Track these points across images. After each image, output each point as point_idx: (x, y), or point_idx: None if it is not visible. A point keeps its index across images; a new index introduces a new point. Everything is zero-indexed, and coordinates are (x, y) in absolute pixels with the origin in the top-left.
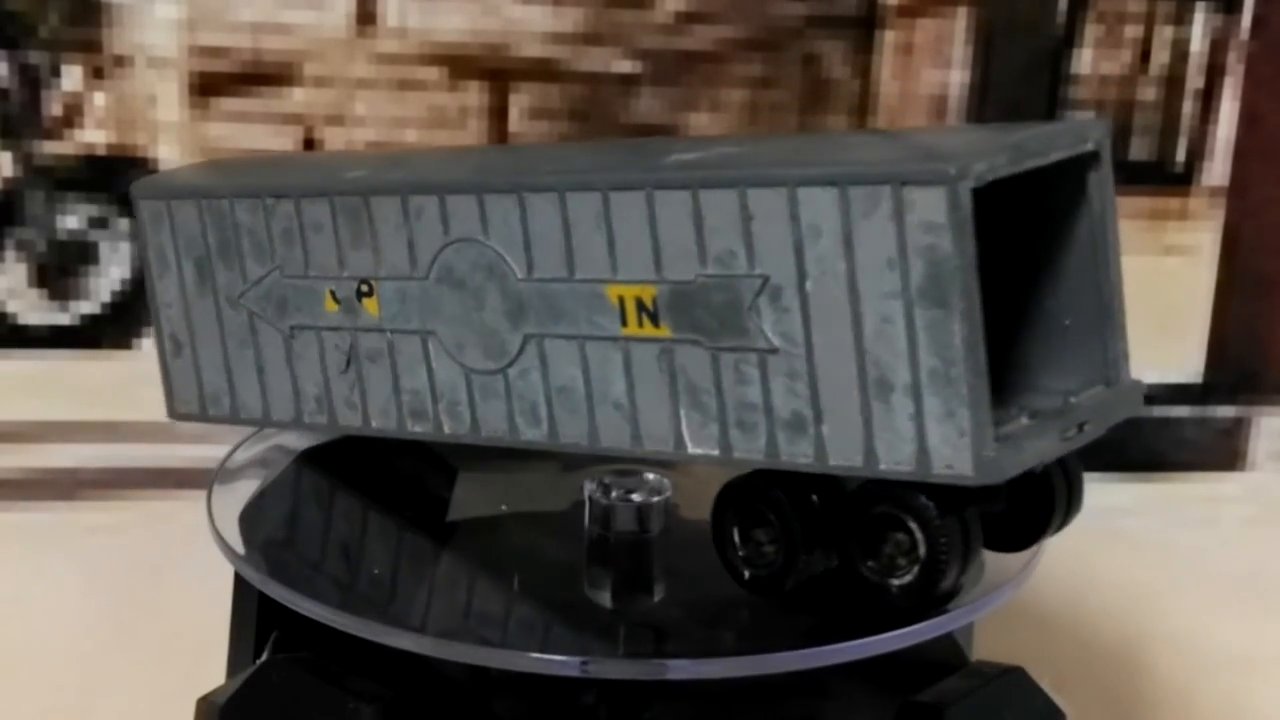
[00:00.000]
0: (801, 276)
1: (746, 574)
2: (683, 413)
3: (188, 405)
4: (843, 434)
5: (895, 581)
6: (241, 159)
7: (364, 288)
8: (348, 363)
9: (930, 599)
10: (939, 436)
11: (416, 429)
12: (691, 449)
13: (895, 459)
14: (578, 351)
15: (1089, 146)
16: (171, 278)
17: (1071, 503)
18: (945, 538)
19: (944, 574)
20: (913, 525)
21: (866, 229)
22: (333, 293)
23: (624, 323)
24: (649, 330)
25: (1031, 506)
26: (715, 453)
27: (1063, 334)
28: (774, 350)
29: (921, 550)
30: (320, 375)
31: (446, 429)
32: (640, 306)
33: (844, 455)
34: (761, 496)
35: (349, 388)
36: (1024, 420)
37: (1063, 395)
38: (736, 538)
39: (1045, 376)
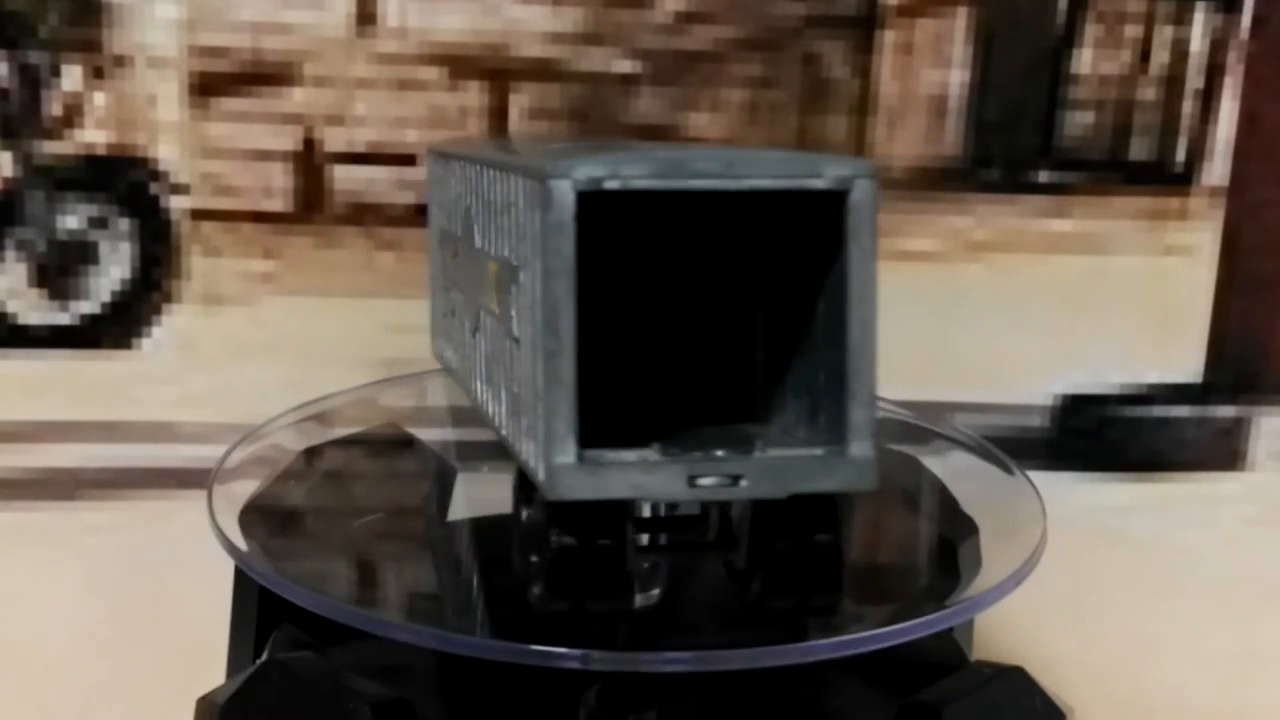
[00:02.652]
0: (521, 267)
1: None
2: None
3: (438, 346)
4: (527, 429)
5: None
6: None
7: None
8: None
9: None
10: (532, 444)
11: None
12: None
13: (530, 463)
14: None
15: (817, 184)
16: (433, 228)
17: (753, 555)
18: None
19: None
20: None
21: (533, 223)
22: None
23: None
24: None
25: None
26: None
27: (819, 384)
28: (515, 338)
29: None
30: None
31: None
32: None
33: (526, 453)
34: None
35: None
36: (646, 453)
37: (775, 441)
38: None
39: (799, 419)
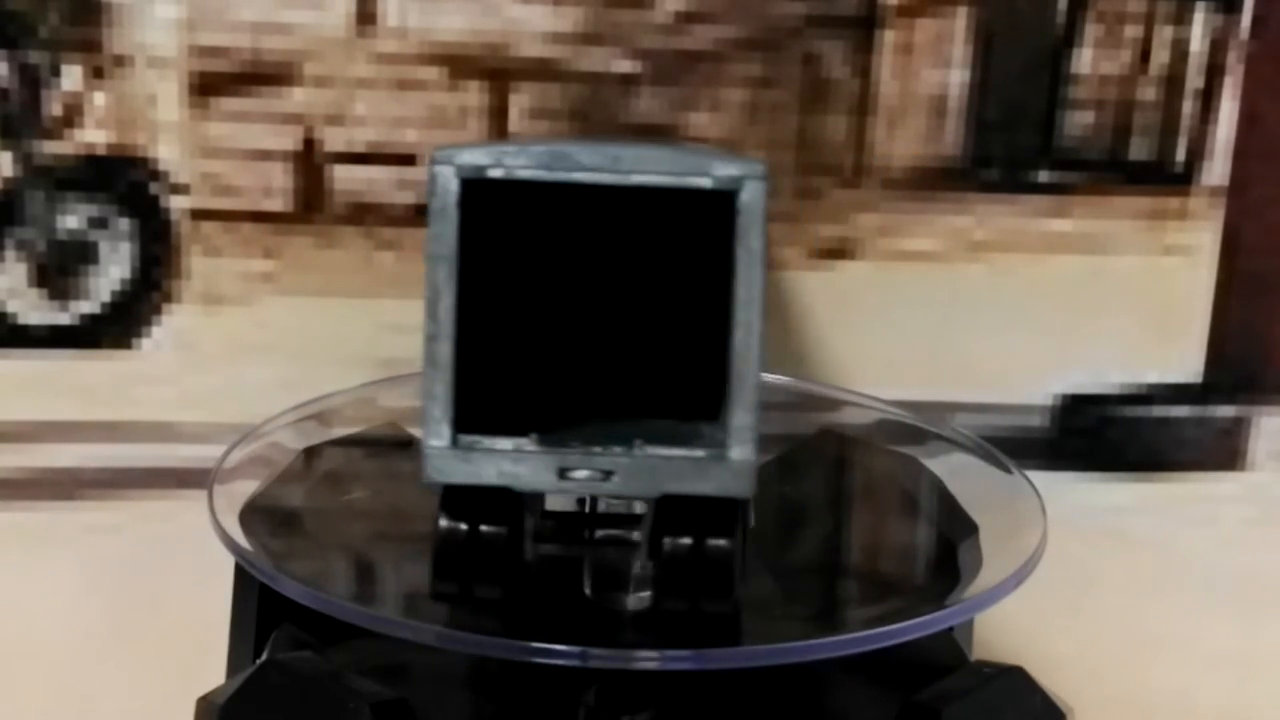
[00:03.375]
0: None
1: None
2: None
3: None
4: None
5: None
6: None
7: None
8: None
9: None
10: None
11: None
12: None
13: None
14: None
15: (704, 183)
16: None
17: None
18: None
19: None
20: None
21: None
22: None
23: None
24: None
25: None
26: None
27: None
28: None
29: None
30: None
31: None
32: None
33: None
34: None
35: None
36: (522, 441)
37: (661, 440)
38: None
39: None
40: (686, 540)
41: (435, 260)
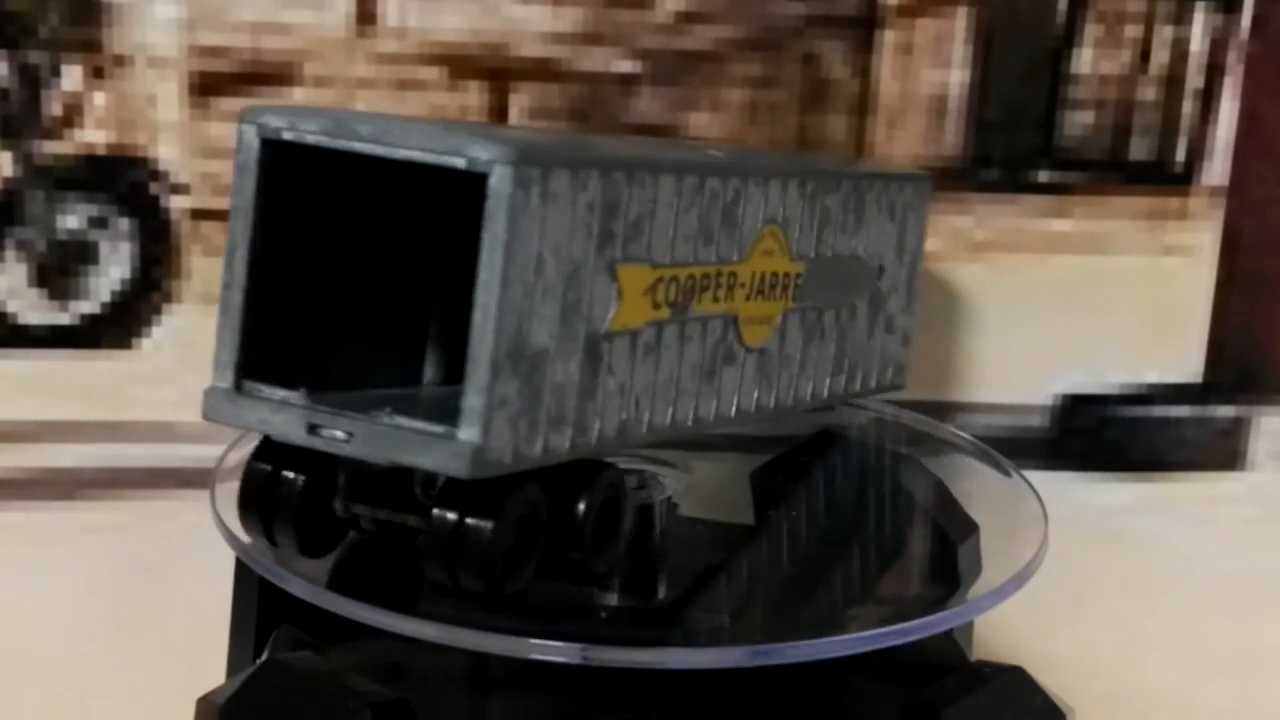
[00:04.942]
0: None
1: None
2: None
3: None
4: None
5: None
6: None
7: None
8: None
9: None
10: None
11: None
12: None
13: None
14: None
15: (457, 163)
16: None
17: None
18: None
19: None
20: None
21: None
22: None
23: None
24: None
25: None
26: None
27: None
28: None
29: None
30: None
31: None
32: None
33: None
34: None
35: None
36: (291, 395)
37: (410, 410)
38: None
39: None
40: (452, 515)
41: (235, 213)
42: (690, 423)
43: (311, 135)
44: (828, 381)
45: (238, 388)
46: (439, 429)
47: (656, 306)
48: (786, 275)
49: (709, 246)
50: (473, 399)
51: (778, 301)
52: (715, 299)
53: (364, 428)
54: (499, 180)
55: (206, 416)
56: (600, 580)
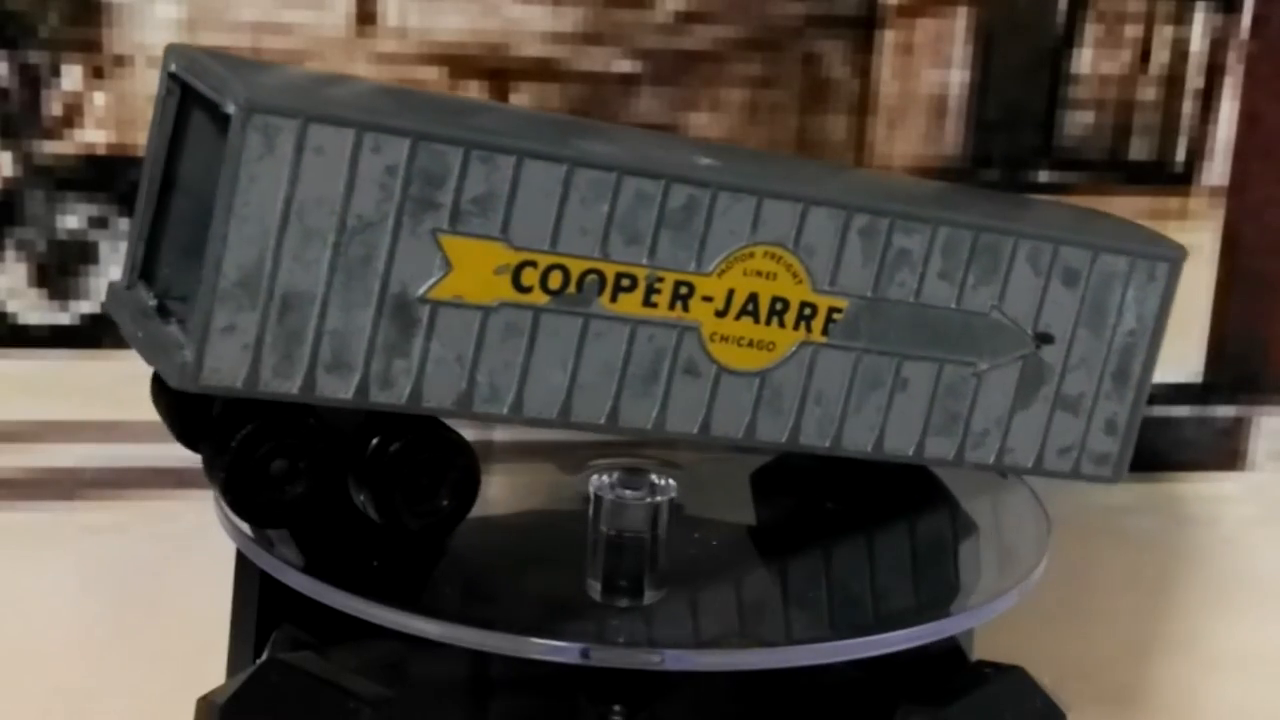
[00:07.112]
0: None
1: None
2: None
3: None
4: None
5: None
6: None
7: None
8: None
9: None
10: None
11: None
12: None
13: None
14: None
15: (227, 107)
16: None
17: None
18: None
19: None
20: None
21: None
22: None
23: None
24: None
25: None
26: None
27: None
28: None
29: None
30: None
31: None
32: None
33: None
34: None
35: None
36: (149, 296)
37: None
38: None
39: None
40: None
41: (149, 140)
42: (603, 420)
43: (183, 73)
44: (918, 439)
45: (129, 286)
46: (182, 339)
47: (523, 290)
48: (809, 305)
49: (633, 247)
50: (194, 320)
51: (788, 331)
52: (650, 304)
53: (154, 328)
54: (235, 125)
55: (102, 307)
56: (402, 529)
